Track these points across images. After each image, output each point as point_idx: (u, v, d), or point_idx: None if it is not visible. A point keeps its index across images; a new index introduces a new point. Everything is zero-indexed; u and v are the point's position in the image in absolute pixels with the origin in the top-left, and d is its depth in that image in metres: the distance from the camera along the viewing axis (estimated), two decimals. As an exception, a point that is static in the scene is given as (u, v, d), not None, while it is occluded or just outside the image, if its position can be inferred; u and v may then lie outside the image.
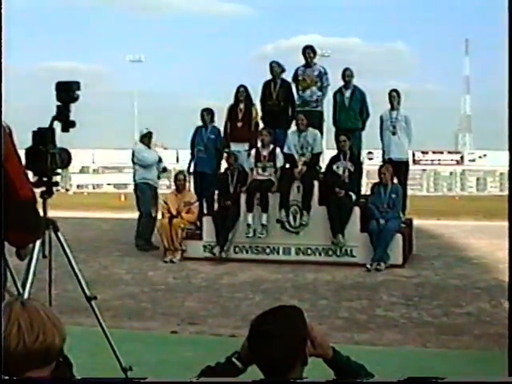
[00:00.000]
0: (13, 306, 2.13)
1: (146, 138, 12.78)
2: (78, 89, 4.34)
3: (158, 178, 12.96)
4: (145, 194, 12.49)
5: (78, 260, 4.77)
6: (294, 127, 11.49)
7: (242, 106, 11.94)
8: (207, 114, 12.36)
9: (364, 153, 12.46)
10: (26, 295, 4.10)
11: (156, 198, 12.69)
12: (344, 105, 11.83)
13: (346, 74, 11.93)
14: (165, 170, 13.11)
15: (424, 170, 54.45)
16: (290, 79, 11.99)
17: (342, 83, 12.03)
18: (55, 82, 4.31)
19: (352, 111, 11.80)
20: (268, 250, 11.06)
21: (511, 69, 3.80)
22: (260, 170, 11.20)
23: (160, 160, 12.81)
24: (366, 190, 16.06)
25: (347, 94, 11.85)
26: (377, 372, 2.63)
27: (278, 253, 11.05)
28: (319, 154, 11.42)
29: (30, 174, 4.36)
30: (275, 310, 2.58)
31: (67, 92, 4.28)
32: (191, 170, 12.48)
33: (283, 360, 2.42)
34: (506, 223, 5.33)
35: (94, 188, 54.22)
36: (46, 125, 4.28)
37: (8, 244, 3.16)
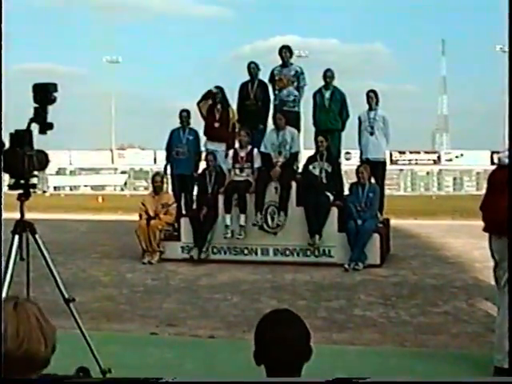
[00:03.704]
0: (6, 306, 2.08)
1: None
2: (55, 90, 4.31)
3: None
4: None
5: (56, 262, 4.74)
6: (272, 126, 11.50)
7: (219, 106, 11.90)
8: (186, 114, 12.33)
9: (342, 153, 12.45)
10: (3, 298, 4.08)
11: None
12: (324, 105, 11.79)
13: (327, 75, 11.89)
14: None
15: (401, 169, 54.59)
16: (266, 79, 11.99)
17: (319, 84, 12.01)
18: (32, 84, 4.29)
19: (332, 112, 11.77)
20: (246, 251, 11.07)
21: (511, 69, 3.83)
22: (238, 171, 11.19)
23: None
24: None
25: (327, 94, 11.82)
26: (355, 371, 2.64)
27: (256, 254, 11.05)
28: (297, 153, 11.45)
29: (7, 177, 4.35)
30: (276, 313, 2.59)
31: (44, 94, 4.26)
32: (168, 171, 12.44)
33: (294, 362, 2.45)
34: (482, 222, 5.41)
35: (71, 189, 53.64)
36: (23, 127, 4.26)
37: None
